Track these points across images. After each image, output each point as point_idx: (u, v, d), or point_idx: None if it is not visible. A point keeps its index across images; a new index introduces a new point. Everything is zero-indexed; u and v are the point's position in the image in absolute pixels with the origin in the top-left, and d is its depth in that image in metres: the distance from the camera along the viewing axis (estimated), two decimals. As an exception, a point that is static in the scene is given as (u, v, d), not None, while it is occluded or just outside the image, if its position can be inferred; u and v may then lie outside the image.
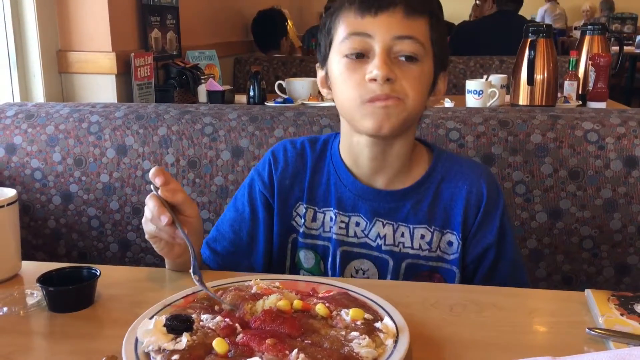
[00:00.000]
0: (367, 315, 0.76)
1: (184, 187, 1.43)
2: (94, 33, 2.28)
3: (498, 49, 3.42)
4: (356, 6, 0.97)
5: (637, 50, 6.96)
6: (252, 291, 0.83)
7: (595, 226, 1.31)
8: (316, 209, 1.08)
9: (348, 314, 0.76)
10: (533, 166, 1.32)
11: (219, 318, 0.75)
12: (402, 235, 1.05)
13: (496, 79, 2.66)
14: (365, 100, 0.94)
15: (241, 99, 2.76)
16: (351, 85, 0.96)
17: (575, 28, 7.93)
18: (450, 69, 3.28)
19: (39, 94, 2.22)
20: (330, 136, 1.13)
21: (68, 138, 1.50)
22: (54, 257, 1.54)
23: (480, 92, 2.42)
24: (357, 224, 1.06)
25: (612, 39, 3.01)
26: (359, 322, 0.74)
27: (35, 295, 0.91)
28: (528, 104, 2.39)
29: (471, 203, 1.04)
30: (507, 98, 2.60)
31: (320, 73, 1.07)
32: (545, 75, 2.35)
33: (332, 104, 1.06)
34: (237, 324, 0.74)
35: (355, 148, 1.04)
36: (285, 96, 2.69)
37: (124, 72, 2.35)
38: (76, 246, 1.53)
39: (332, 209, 1.07)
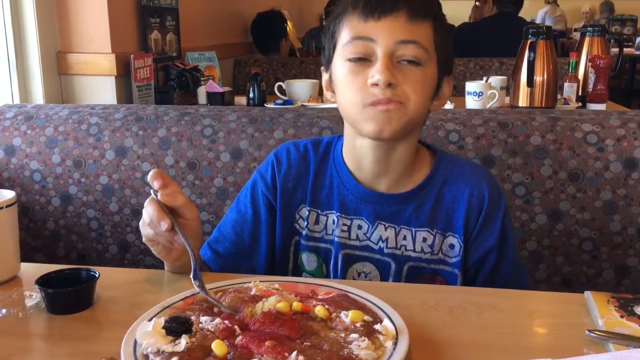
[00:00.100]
0: (366, 317, 0.76)
1: (184, 189, 1.43)
2: (93, 34, 2.28)
3: (498, 51, 3.42)
4: (359, 10, 0.96)
5: (637, 52, 6.97)
6: (252, 293, 0.83)
7: (595, 228, 1.31)
8: (319, 211, 1.08)
9: (347, 316, 0.76)
10: (533, 168, 1.32)
11: (218, 320, 0.75)
12: (404, 238, 1.05)
13: (496, 80, 2.65)
14: (367, 104, 0.94)
15: (241, 100, 2.75)
16: (354, 89, 0.96)
17: (575, 30, 7.92)
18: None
19: (38, 95, 2.22)
20: (333, 138, 1.13)
21: (67, 140, 1.50)
22: (53, 258, 1.53)
23: (480, 93, 2.42)
24: (360, 227, 1.06)
25: (611, 41, 3.00)
26: (358, 324, 0.74)
27: (34, 297, 0.91)
28: (528, 105, 2.39)
29: (473, 206, 1.04)
30: (507, 100, 2.60)
31: (325, 76, 1.07)
32: (545, 77, 2.35)
33: (331, 105, 1.06)
34: (236, 326, 0.74)
35: (358, 151, 1.04)
36: (285, 98, 2.69)
37: (124, 74, 2.35)
38: (75, 248, 1.53)
39: (334, 212, 1.07)
